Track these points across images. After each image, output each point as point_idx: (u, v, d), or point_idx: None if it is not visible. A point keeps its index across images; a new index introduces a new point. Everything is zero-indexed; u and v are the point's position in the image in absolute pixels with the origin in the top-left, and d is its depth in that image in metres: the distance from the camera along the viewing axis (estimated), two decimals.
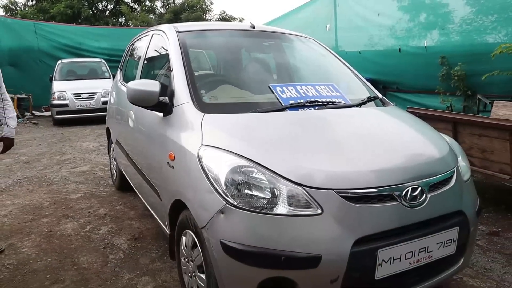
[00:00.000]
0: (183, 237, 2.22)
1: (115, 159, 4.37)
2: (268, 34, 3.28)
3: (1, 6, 20.86)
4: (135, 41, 4.09)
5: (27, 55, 11.98)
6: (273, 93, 2.47)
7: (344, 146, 2.04)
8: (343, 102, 2.59)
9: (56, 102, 9.48)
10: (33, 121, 10.14)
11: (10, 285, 2.60)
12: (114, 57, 12.41)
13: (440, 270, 2.06)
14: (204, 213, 1.88)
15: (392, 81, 7.72)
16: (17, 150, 6.73)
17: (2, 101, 3.06)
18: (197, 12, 19.54)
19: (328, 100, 2.51)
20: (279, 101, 2.41)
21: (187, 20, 18.97)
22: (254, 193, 1.78)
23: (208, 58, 3.19)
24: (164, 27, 3.16)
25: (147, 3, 23.11)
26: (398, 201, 1.83)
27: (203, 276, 2.01)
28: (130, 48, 4.26)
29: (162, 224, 2.64)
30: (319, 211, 1.73)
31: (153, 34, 3.40)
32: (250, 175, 1.81)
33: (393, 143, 2.17)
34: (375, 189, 1.80)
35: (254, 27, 3.13)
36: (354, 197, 1.77)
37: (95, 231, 3.43)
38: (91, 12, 22.06)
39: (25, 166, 5.71)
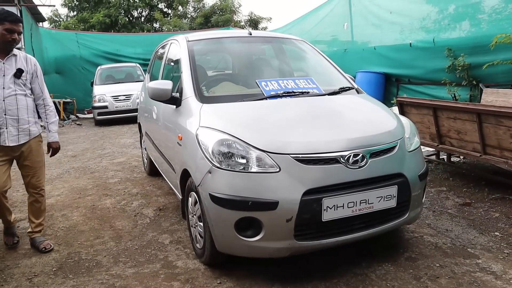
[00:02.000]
0: (190, 198, 2.93)
1: (145, 148, 5.18)
2: (263, 39, 3.95)
3: (47, 19, 22.57)
4: (159, 48, 4.86)
5: (70, 63, 13.23)
6: (259, 87, 3.13)
7: (304, 123, 2.69)
8: (317, 92, 3.20)
9: (97, 104, 10.53)
10: (77, 123, 11.29)
11: (64, 239, 3.41)
12: (148, 61, 13.38)
13: (386, 220, 2.64)
14: (198, 175, 2.58)
15: (404, 74, 8.11)
16: (64, 147, 7.73)
17: (44, 106, 3.22)
18: (226, 14, 20.36)
19: (303, 90, 3.14)
20: (263, 93, 3.07)
21: (217, 23, 19.86)
22: (232, 158, 2.45)
23: (219, 61, 3.88)
24: (179, 37, 3.87)
25: (180, 8, 24.27)
26: (342, 164, 2.44)
27: (202, 224, 2.70)
28: (155, 55, 5.03)
29: (176, 192, 3.37)
30: (277, 169, 2.38)
31: (171, 43, 4.13)
32: (230, 145, 2.49)
33: (345, 121, 2.78)
34: (322, 154, 2.42)
35: (251, 34, 3.80)
36: (305, 160, 2.40)
37: (128, 205, 4.22)
38: (127, 20, 23.45)
39: (72, 159, 6.66)
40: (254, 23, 21.71)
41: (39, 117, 3.28)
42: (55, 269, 2.92)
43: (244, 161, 2.44)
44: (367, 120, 2.86)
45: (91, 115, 11.85)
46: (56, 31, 14.48)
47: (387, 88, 8.54)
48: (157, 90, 3.17)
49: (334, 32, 10.14)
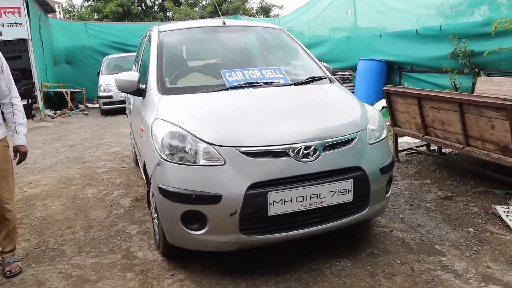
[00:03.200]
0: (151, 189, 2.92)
1: (131, 138, 5.20)
2: (238, 28, 3.87)
3: (62, 9, 22.90)
4: (142, 39, 4.83)
5: (80, 53, 13.40)
6: (222, 77, 3.07)
7: (257, 115, 2.62)
8: (284, 82, 3.12)
9: (102, 94, 10.66)
10: (84, 112, 11.47)
11: (38, 229, 3.47)
12: None
13: (343, 215, 2.56)
14: (150, 167, 2.56)
15: (407, 62, 7.85)
16: (66, 137, 7.88)
17: (12, 105, 2.81)
18: (236, 2, 20.19)
19: (267, 81, 3.06)
20: (225, 83, 3.00)
21: (227, 11, 19.72)
22: (180, 150, 2.41)
23: (192, 52, 3.81)
24: (154, 27, 3.83)
25: None
26: (291, 157, 2.37)
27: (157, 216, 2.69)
28: (139, 45, 5.02)
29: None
30: (222, 162, 2.33)
31: (149, 33, 4.10)
32: (179, 138, 2.45)
33: (302, 112, 2.70)
34: (269, 147, 2.36)
35: (224, 23, 3.72)
36: (251, 153, 2.34)
37: (108, 195, 4.26)
38: (140, 9, 23.55)
39: (69, 149, 6.77)
40: (265, 10, 21.45)
41: (4, 119, 2.83)
42: (20, 257, 2.98)
43: (191, 154, 2.40)
44: (326, 111, 2.77)
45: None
46: (65, 22, 14.70)
47: (389, 76, 8.30)
48: (123, 82, 3.15)
49: (339, 19, 9.89)
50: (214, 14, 20.71)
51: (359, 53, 8.83)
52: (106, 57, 11.96)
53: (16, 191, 4.47)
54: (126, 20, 23.04)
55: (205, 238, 2.39)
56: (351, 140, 2.57)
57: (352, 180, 2.49)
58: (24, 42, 10.26)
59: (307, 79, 3.23)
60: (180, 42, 3.63)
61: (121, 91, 3.25)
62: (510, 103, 3.04)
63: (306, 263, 2.68)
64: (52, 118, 10.38)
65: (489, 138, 3.42)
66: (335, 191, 2.45)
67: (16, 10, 9.68)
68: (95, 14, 23.55)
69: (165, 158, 2.43)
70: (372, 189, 2.60)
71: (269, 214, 2.34)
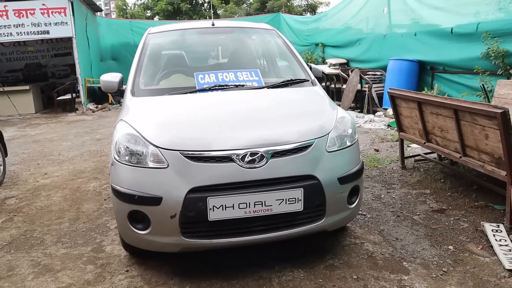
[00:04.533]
0: None
1: None
2: (227, 29, 3.85)
3: (116, 7, 24.10)
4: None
5: (125, 49, 14.01)
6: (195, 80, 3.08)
7: (210, 119, 2.61)
8: (257, 85, 3.07)
9: None
10: None
11: (32, 217, 3.71)
12: None
13: (294, 225, 2.48)
14: (109, 166, 2.64)
15: (439, 62, 7.37)
16: (98, 130, 8.32)
17: None
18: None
19: (238, 83, 3.03)
20: (196, 86, 3.02)
21: (272, 8, 19.66)
22: (131, 152, 2.46)
23: (178, 53, 3.83)
24: (149, 29, 3.92)
25: None
26: (235, 163, 2.33)
27: None
28: None
29: None
30: (166, 165, 2.35)
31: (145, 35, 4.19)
32: (130, 140, 2.50)
33: (258, 117, 2.64)
34: (213, 152, 2.34)
35: (213, 24, 3.73)
36: (195, 157, 2.33)
37: (107, 189, 4.45)
38: (189, 6, 24.17)
39: (94, 143, 7.15)
40: (311, 8, 21.10)
41: None
42: (5, 243, 3.21)
43: (141, 156, 2.44)
44: (284, 117, 2.68)
45: None
46: (112, 20, 15.46)
47: (421, 77, 7.85)
48: (105, 82, 3.26)
49: (375, 18, 9.49)
50: (260, 11, 20.77)
51: (394, 53, 8.43)
52: None
53: (30, 181, 4.83)
54: (177, 18, 23.78)
55: (149, 238, 2.43)
56: (306, 147, 2.47)
57: (302, 189, 2.39)
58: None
59: (281, 82, 3.15)
60: (167, 44, 3.68)
61: (106, 92, 3.37)
62: (500, 111, 2.76)
63: (259, 270, 2.63)
64: (93, 112, 11.00)
65: (484, 149, 3.13)
66: (283, 199, 2.37)
67: (62, 10, 10.35)
68: (147, 11, 24.54)
69: (117, 158, 2.50)
70: (328, 199, 2.49)
71: (209, 219, 2.32)
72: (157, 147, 2.40)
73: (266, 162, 2.36)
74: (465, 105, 3.13)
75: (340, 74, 9.81)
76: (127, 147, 2.49)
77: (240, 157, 2.34)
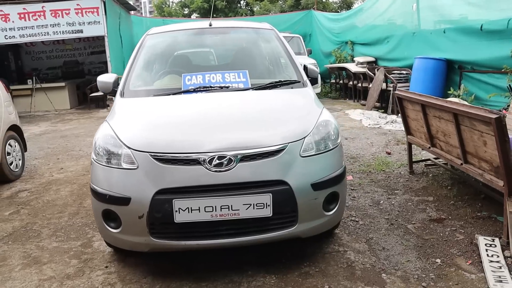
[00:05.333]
0: None
1: None
2: (224, 30, 3.83)
3: (154, 5, 24.71)
4: None
5: None
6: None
7: (183, 121, 2.63)
8: (243, 86, 3.05)
9: None
10: None
11: (36, 211, 3.90)
12: None
13: (264, 230, 2.44)
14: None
15: (468, 61, 6.96)
16: None
17: None
18: None
19: (223, 85, 3.02)
20: (181, 87, 3.04)
21: (307, 5, 19.39)
22: (107, 153, 2.52)
23: (174, 54, 3.85)
24: (149, 30, 3.99)
25: None
26: (202, 166, 2.33)
27: None
28: None
29: None
30: (136, 166, 2.38)
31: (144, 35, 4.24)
32: (107, 141, 2.56)
33: (232, 120, 2.62)
34: (181, 154, 2.34)
35: (211, 25, 3.73)
36: (162, 159, 2.35)
37: None
38: (225, 4, 24.32)
39: None
40: (347, 5, 20.61)
41: None
42: (5, 235, 3.39)
43: (116, 157, 2.48)
44: (259, 121, 2.64)
45: None
46: (146, 18, 15.88)
47: (449, 77, 7.46)
48: (101, 83, 3.34)
49: (404, 14, 9.12)
50: (294, 8, 20.55)
51: (423, 51, 8.05)
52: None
53: (46, 175, 5.07)
54: (215, 15, 24.04)
55: (120, 237, 2.49)
56: (277, 151, 2.42)
57: (271, 194, 2.35)
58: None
59: (268, 83, 3.11)
60: (164, 45, 3.72)
61: (103, 92, 3.46)
62: (494, 116, 2.57)
63: (231, 274, 2.61)
64: None
65: (483, 156, 2.93)
66: (250, 204, 2.34)
67: (95, 10, 10.76)
68: (184, 9, 24.97)
69: (95, 158, 2.57)
70: (301, 205, 2.42)
71: (175, 221, 2.33)
72: (130, 148, 2.44)
73: (234, 166, 2.34)
74: (462, 109, 2.94)
75: (366, 73, 9.54)
76: (104, 148, 2.55)
77: (207, 160, 2.33)
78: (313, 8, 15.62)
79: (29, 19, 10.58)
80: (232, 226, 2.40)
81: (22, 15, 10.53)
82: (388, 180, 4.27)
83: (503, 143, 2.58)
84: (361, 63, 10.22)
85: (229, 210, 2.33)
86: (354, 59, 10.89)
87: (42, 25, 10.67)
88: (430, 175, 4.29)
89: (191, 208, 2.31)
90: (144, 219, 2.34)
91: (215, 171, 2.33)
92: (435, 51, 7.71)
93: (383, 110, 8.39)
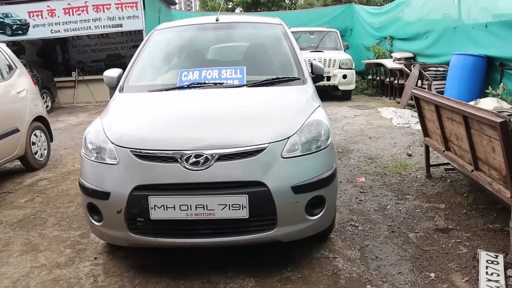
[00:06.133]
0: None
1: None
2: (230, 25, 3.78)
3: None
4: None
5: None
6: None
7: (167, 118, 2.63)
8: (238, 83, 2.99)
9: None
10: None
11: (49, 199, 4.08)
12: None
13: (242, 232, 2.38)
14: None
15: (510, 58, 6.42)
16: None
17: None
18: None
19: (217, 81, 2.98)
20: (176, 83, 3.03)
21: None
22: (94, 148, 2.57)
23: (180, 49, 3.82)
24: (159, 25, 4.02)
25: None
26: (179, 163, 2.30)
27: None
28: None
29: None
30: (117, 162, 2.41)
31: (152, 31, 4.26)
32: (95, 136, 2.61)
33: (214, 118, 2.58)
34: (157, 151, 2.33)
35: (218, 20, 3.69)
36: (142, 155, 2.35)
37: None
38: None
39: None
40: None
41: None
42: (15, 221, 3.58)
43: (102, 151, 2.52)
44: (244, 119, 2.57)
45: None
46: (185, 12, 16.12)
47: (489, 75, 6.92)
48: (106, 78, 3.39)
49: (444, 7, 8.57)
50: (337, 2, 20.04)
51: (463, 47, 7.54)
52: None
53: (68, 165, 5.30)
54: (258, 9, 24.01)
55: (102, 230, 2.53)
56: (257, 151, 2.34)
57: (247, 195, 2.28)
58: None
59: (264, 80, 3.02)
60: (169, 40, 3.72)
61: (109, 87, 3.54)
62: (500, 120, 2.33)
63: (211, 274, 2.58)
64: None
65: (493, 163, 2.67)
66: (226, 204, 2.29)
67: (134, 5, 11.06)
68: (228, 3, 25.12)
69: (84, 152, 2.63)
70: (280, 208, 2.33)
71: (151, 218, 2.33)
72: (113, 143, 2.47)
73: (211, 165, 2.29)
74: (470, 111, 2.70)
75: (403, 69, 9.11)
76: (92, 143, 2.59)
77: (184, 158, 2.30)
78: (355, 2, 15.11)
79: (73, 14, 11.09)
80: (208, 226, 2.36)
81: (66, 10, 11.06)
82: (402, 184, 4.04)
83: (510, 150, 2.33)
84: (398, 59, 9.77)
85: (204, 209, 2.29)
86: (392, 54, 10.43)
87: (85, 20, 11.14)
88: (448, 180, 4.01)
89: (166, 205, 2.30)
90: (122, 214, 2.36)
91: (191, 170, 2.29)
92: (476, 47, 7.18)
93: (415, 109, 7.95)
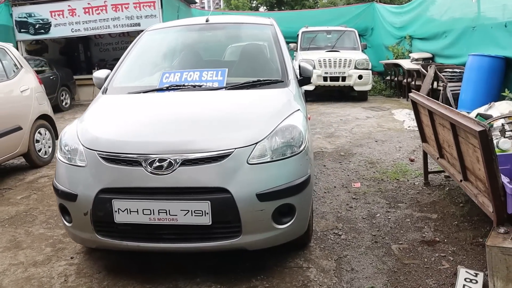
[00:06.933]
0: None
1: None
2: (220, 26, 3.73)
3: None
4: None
5: None
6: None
7: (137, 121, 2.62)
8: (217, 85, 2.94)
9: None
10: None
11: (44, 197, 4.16)
12: (288, 39, 13.45)
13: (206, 238, 2.34)
14: None
15: None
16: None
17: None
18: None
19: (196, 84, 2.95)
20: (157, 85, 3.02)
21: None
22: (67, 150, 2.58)
23: (169, 51, 3.80)
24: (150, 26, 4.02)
25: None
26: (142, 167, 2.28)
27: None
28: None
29: None
30: (85, 164, 2.41)
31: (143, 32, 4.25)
32: (69, 138, 2.62)
33: (183, 122, 2.56)
34: (122, 155, 2.32)
35: (208, 21, 3.66)
36: (108, 158, 2.35)
37: None
38: None
39: None
40: None
41: None
42: (7, 218, 3.66)
43: (73, 154, 2.53)
44: (213, 123, 2.52)
45: None
46: (204, 11, 16.14)
47: (507, 77, 6.59)
48: (95, 79, 3.39)
49: (463, 6, 8.23)
50: (361, 1, 19.63)
51: (482, 47, 7.22)
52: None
53: None
54: (282, 8, 23.88)
55: (72, 231, 2.54)
56: (221, 157, 2.29)
57: (209, 202, 2.23)
58: None
59: (243, 83, 2.96)
60: (158, 41, 3.70)
61: (98, 88, 3.56)
62: (479, 128, 2.18)
63: (179, 279, 2.54)
64: None
65: (478, 174, 2.52)
66: (188, 210, 2.25)
67: (152, 4, 11.20)
68: (252, 2, 25.09)
69: (58, 154, 2.65)
70: (244, 216, 2.27)
71: (115, 221, 2.32)
72: (83, 146, 2.48)
73: (174, 170, 2.26)
74: (455, 118, 2.54)
75: (420, 70, 8.81)
76: (66, 144, 2.61)
77: (148, 162, 2.28)
78: (376, 1, 14.74)
79: (92, 13, 11.33)
80: (172, 231, 2.34)
81: (86, 10, 11.32)
82: (397, 191, 3.88)
83: (489, 161, 2.19)
84: (416, 60, 9.46)
85: (166, 214, 2.27)
86: (410, 55, 10.11)
87: (104, 19, 11.37)
88: (447, 188, 3.83)
89: (129, 209, 2.29)
90: (89, 217, 2.37)
91: (154, 174, 2.27)
92: (495, 48, 6.85)
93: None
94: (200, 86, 2.94)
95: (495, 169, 2.18)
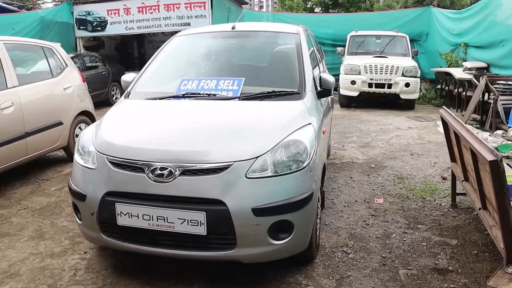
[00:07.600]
0: None
1: None
2: (245, 33, 3.74)
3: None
4: None
5: None
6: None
7: (147, 128, 2.71)
8: (232, 95, 2.97)
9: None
10: None
11: None
12: (338, 42, 13.26)
13: (200, 248, 2.38)
14: None
15: None
16: None
17: None
18: None
19: (210, 92, 2.99)
20: (174, 92, 3.10)
21: (431, 1, 17.54)
22: (83, 152, 2.73)
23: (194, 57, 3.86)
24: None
25: None
26: (145, 174, 2.36)
27: None
28: None
29: None
30: (95, 167, 2.54)
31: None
32: (85, 140, 2.77)
33: (189, 132, 2.61)
34: (127, 160, 2.42)
35: (234, 28, 3.69)
36: (114, 163, 2.46)
37: None
38: None
39: None
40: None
41: None
42: (38, 208, 3.94)
43: (86, 155, 2.67)
44: (217, 135, 2.54)
45: None
46: (256, 12, 16.29)
47: None
48: (124, 82, 3.53)
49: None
50: (418, 4, 18.80)
51: None
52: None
53: None
54: (336, 9, 23.47)
55: (82, 229, 2.69)
56: (220, 169, 2.31)
57: (204, 212, 2.27)
58: None
59: (257, 94, 2.96)
60: (184, 47, 3.78)
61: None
62: (491, 158, 2.02)
63: (178, 284, 2.61)
64: None
65: (495, 205, 2.34)
66: (185, 219, 2.30)
67: (202, 4, 11.49)
68: (307, 3, 24.84)
69: (75, 154, 2.81)
70: (239, 229, 2.28)
71: (118, 223, 2.42)
72: (95, 149, 2.61)
73: (174, 179, 2.32)
74: (471, 142, 2.38)
75: (471, 80, 8.28)
76: (82, 146, 2.76)
77: (150, 170, 2.35)
78: (433, 5, 14.03)
79: (145, 13, 11.83)
80: (169, 238, 2.40)
81: (140, 9, 11.83)
82: (420, 211, 3.70)
83: (500, 194, 2.03)
84: (469, 69, 8.90)
85: (164, 221, 2.33)
86: (463, 63, 9.53)
87: (156, 18, 11.83)
88: (474, 212, 3.58)
89: (130, 213, 2.38)
90: (95, 217, 2.49)
91: (155, 181, 2.34)
92: None
93: (478, 125, 7.21)
94: (214, 95, 2.98)
95: (506, 203, 2.02)
